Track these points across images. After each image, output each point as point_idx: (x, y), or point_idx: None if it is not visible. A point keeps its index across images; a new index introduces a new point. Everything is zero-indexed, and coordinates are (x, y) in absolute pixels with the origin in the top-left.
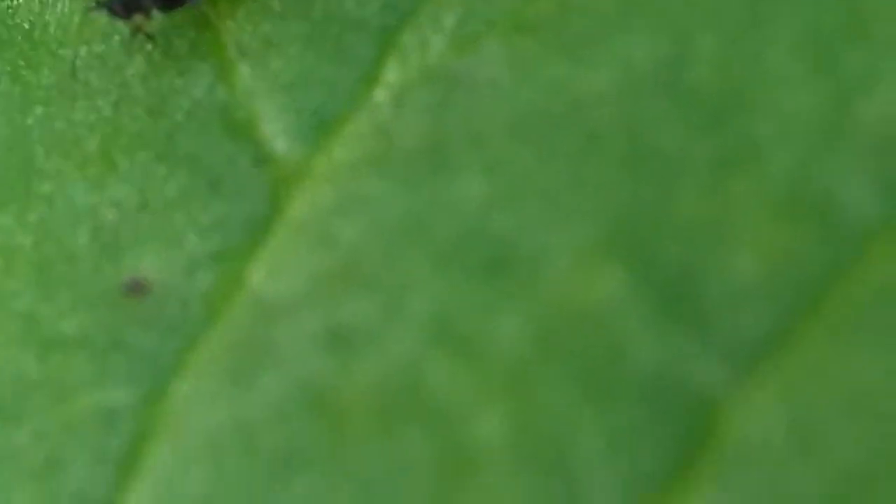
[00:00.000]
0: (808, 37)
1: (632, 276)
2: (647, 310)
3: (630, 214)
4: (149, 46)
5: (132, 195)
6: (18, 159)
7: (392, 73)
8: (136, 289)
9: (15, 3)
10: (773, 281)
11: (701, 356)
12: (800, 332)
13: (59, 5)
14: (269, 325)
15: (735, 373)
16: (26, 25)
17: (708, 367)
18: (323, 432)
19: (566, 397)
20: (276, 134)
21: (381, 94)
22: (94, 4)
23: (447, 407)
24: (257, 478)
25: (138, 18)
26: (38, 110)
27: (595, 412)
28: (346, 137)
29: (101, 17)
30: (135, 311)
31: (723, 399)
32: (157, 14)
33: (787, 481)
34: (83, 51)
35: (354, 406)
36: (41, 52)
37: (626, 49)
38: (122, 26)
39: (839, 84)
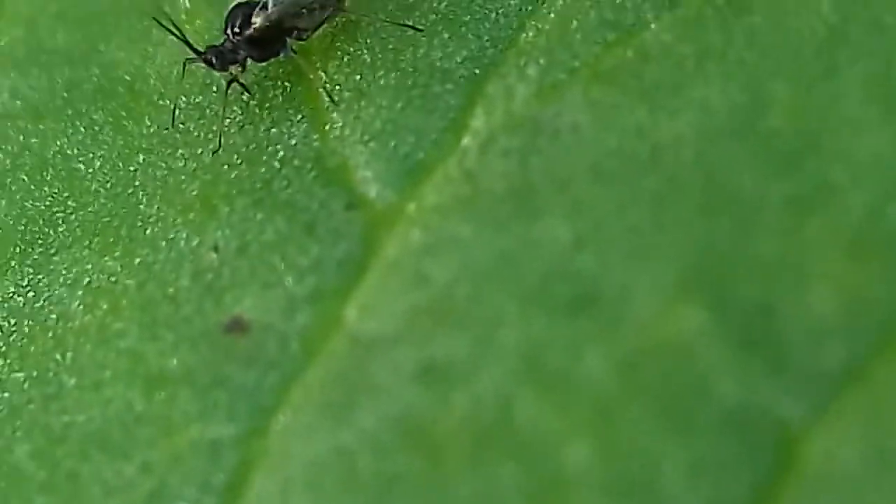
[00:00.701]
0: (880, 84)
1: (712, 313)
2: (727, 346)
3: (709, 254)
4: (245, 96)
5: (232, 239)
6: (122, 205)
7: (478, 121)
8: (237, 328)
9: (117, 56)
10: (848, 317)
11: (780, 390)
12: (874, 366)
13: (159, 58)
14: (364, 361)
15: (813, 406)
16: (128, 77)
17: (787, 401)
18: (419, 463)
19: (650, 429)
20: (368, 180)
21: (468, 141)
22: (192, 56)
23: (537, 439)
24: None
25: (234, 70)
26: (141, 158)
27: (678, 443)
28: (436, 182)
29: (199, 69)
30: (235, 349)
31: (802, 431)
32: (252, 65)
33: None
34: (182, 101)
35: (449, 438)
36: (142, 102)
37: (703, 96)
38: (219, 77)
39: None
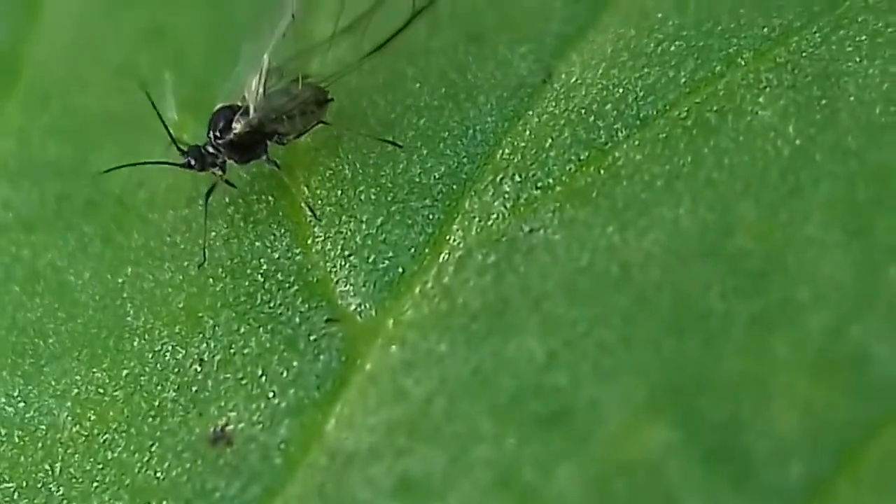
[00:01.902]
0: (842, 205)
1: (679, 430)
2: (693, 462)
3: (677, 371)
4: (230, 210)
5: (216, 352)
6: (110, 317)
7: (456, 236)
8: (221, 440)
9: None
10: (811, 435)
11: None
12: (836, 484)
13: (147, 172)
14: (343, 475)
15: None
16: (117, 190)
17: None
18: None
19: None
20: (349, 294)
21: (445, 256)
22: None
23: None
24: None
25: (215, 172)
26: (129, 270)
27: None
28: (414, 297)
29: (187, 183)
30: (219, 461)
31: None
32: (237, 180)
33: None
34: (170, 215)
35: None
36: (131, 215)
37: (672, 215)
38: (205, 191)
39: (872, 249)
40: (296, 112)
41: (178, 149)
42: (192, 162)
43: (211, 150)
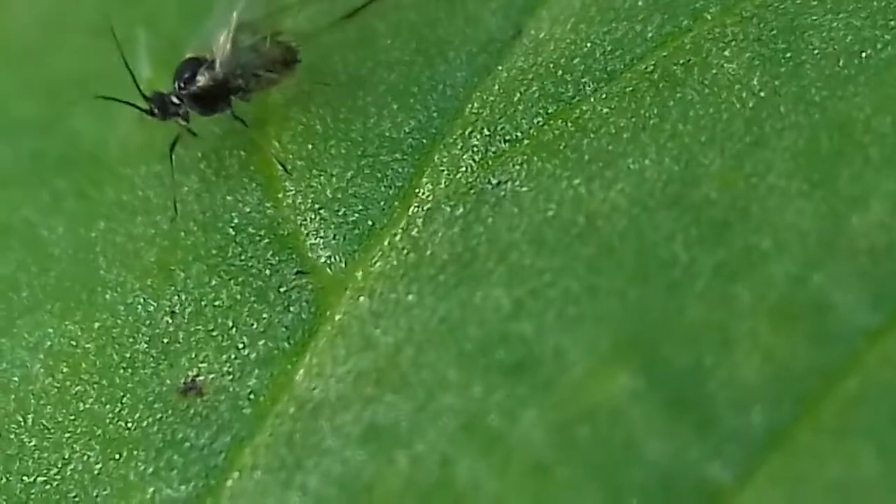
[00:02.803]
0: (807, 155)
1: (642, 377)
2: (656, 409)
3: (641, 319)
4: (202, 165)
5: (188, 304)
6: (83, 270)
7: (425, 189)
8: (192, 390)
9: (80, 126)
10: (773, 382)
11: (709, 453)
12: (797, 430)
13: (120, 127)
14: (311, 424)
15: (740, 470)
16: (90, 146)
17: (716, 465)
18: None
19: (584, 491)
20: (319, 247)
21: (414, 209)
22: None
23: (476, 500)
24: None
25: (178, 121)
26: (101, 225)
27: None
28: (383, 249)
29: (159, 139)
30: (189, 411)
31: (730, 494)
32: (210, 135)
33: None
34: (143, 170)
35: (392, 498)
36: (104, 171)
37: (638, 167)
38: (179, 147)
39: (834, 199)
40: (261, 70)
41: (143, 96)
42: (155, 109)
43: (174, 99)
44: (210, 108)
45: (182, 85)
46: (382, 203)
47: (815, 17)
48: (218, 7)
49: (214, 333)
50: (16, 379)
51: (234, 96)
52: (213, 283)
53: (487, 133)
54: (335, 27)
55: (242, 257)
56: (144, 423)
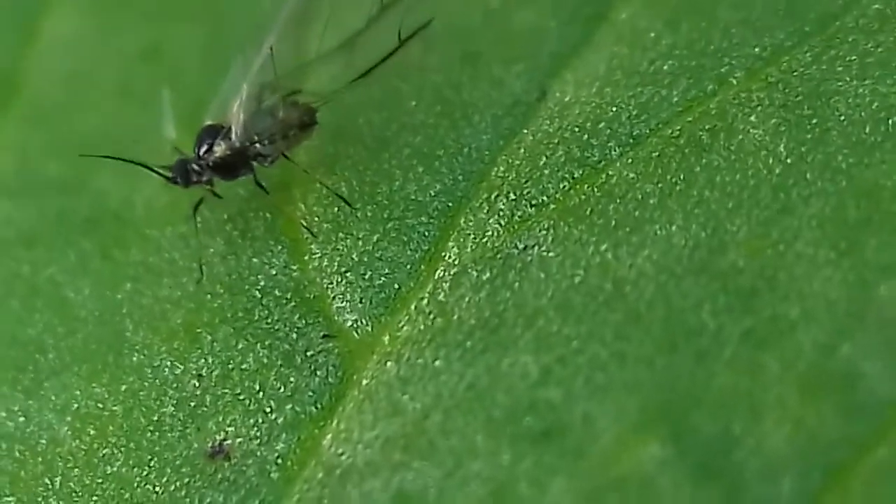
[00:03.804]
0: (834, 223)
1: (671, 445)
2: (686, 477)
3: (669, 387)
4: (228, 227)
5: (214, 367)
6: (109, 332)
7: (451, 253)
8: (220, 454)
9: (106, 186)
10: (802, 452)
11: None
12: (827, 499)
13: (146, 188)
14: (339, 490)
15: None
16: (116, 207)
17: None
18: None
19: None
20: (345, 310)
21: (441, 273)
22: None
23: None
24: None
25: (201, 189)
26: (128, 286)
27: None
28: (410, 313)
29: (184, 201)
30: (217, 475)
31: None
32: (235, 197)
33: None
34: (168, 231)
35: None
36: (129, 232)
37: (665, 233)
38: (204, 209)
39: (862, 267)
40: (278, 136)
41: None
42: (178, 178)
43: (196, 167)
44: (232, 174)
45: (202, 154)
46: (409, 266)
47: (840, 84)
48: (234, 69)
49: (241, 397)
50: (43, 441)
51: (254, 162)
52: (240, 346)
53: (513, 197)
54: (355, 86)
55: (269, 320)
56: (172, 487)
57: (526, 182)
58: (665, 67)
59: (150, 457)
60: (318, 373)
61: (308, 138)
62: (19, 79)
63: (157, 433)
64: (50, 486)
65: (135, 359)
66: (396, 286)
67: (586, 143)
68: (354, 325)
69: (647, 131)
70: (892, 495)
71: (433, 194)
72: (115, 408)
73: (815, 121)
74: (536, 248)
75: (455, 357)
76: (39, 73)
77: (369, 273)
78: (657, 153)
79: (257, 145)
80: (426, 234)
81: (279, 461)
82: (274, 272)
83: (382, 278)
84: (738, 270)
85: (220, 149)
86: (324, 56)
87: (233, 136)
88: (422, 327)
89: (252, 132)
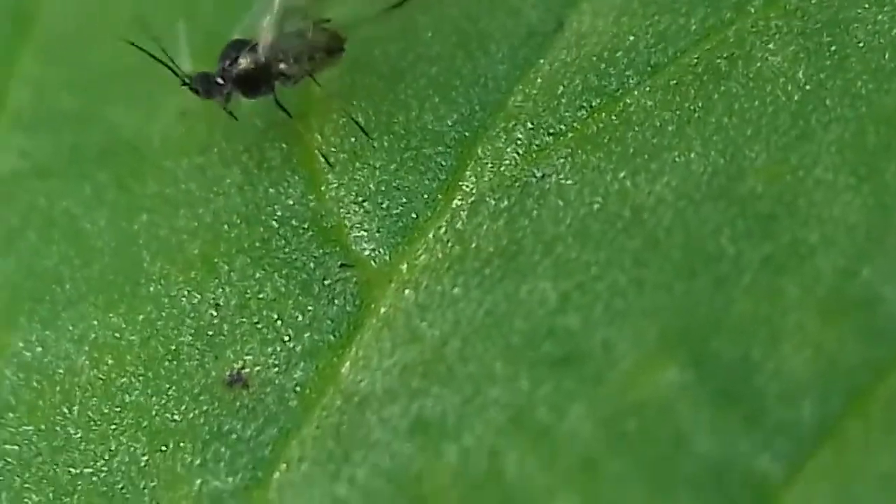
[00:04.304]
0: (853, 149)
1: (691, 370)
2: (705, 402)
3: (688, 313)
4: (244, 158)
5: (231, 297)
6: (126, 264)
7: (469, 182)
8: (237, 382)
9: (121, 118)
10: (822, 376)
11: (758, 446)
12: (847, 423)
13: (161, 120)
14: (358, 416)
15: (790, 462)
16: (131, 139)
17: (765, 457)
18: None
19: (633, 484)
20: (363, 239)
21: (458, 202)
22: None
23: (524, 493)
24: None
25: (219, 101)
26: (144, 217)
27: (660, 498)
28: (427, 242)
29: (201, 131)
30: (235, 403)
31: (779, 487)
32: (251, 127)
33: None
34: (184, 162)
35: (440, 491)
36: (145, 163)
37: (683, 160)
38: (220, 139)
39: (882, 192)
40: (304, 56)
41: (182, 80)
42: (199, 88)
43: (219, 80)
44: (253, 90)
45: (226, 66)
46: (426, 196)
47: (859, 11)
48: None
49: (259, 326)
50: (61, 371)
51: (277, 81)
52: (258, 275)
53: (531, 126)
54: (378, 19)
55: (286, 250)
56: (191, 415)
57: (543, 111)
58: None
59: (168, 385)
60: (336, 301)
61: (334, 64)
62: (34, 11)
63: (174, 362)
64: (68, 415)
65: (152, 289)
66: (414, 215)
67: (604, 71)
68: (372, 255)
69: (665, 60)
70: None
71: (450, 124)
72: (132, 337)
73: (833, 48)
74: (554, 175)
75: (473, 284)
76: (53, 6)
77: (386, 202)
78: (675, 81)
79: (282, 63)
80: (443, 163)
81: (297, 389)
82: (291, 202)
83: (400, 208)
84: (757, 196)
85: (244, 62)
86: None
87: (259, 50)
88: (440, 255)
89: (278, 49)
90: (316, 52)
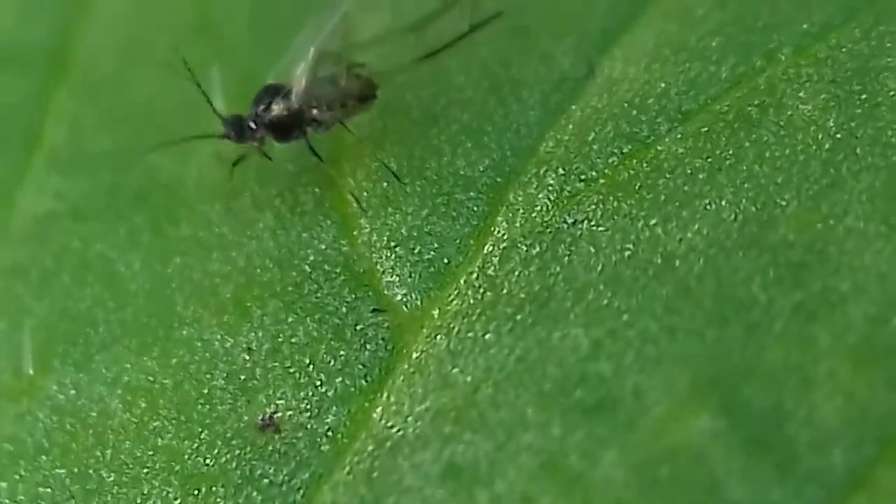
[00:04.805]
0: (884, 197)
1: (723, 417)
2: (737, 449)
3: (719, 360)
4: (277, 202)
5: (264, 341)
6: (160, 307)
7: (500, 228)
8: (270, 427)
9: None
10: (854, 424)
11: (790, 494)
12: (879, 471)
13: (196, 163)
14: (390, 462)
15: None
16: (166, 181)
17: None
18: None
19: None
20: (395, 284)
21: (490, 247)
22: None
23: None
24: None
25: (253, 146)
26: (178, 261)
27: None
28: (459, 287)
29: (235, 175)
30: (267, 447)
31: None
32: (284, 173)
33: None
34: (218, 206)
35: None
36: (180, 206)
37: (714, 207)
38: (252, 185)
39: None
40: (336, 103)
41: (219, 118)
42: (231, 133)
43: (251, 124)
44: (285, 136)
45: (259, 112)
46: (458, 241)
47: (889, 59)
48: (300, 37)
49: (291, 370)
50: (94, 414)
51: (309, 127)
52: (290, 320)
53: (562, 172)
54: (411, 66)
55: (318, 294)
56: (223, 460)
57: (575, 157)
58: (713, 44)
59: (200, 429)
60: (368, 346)
61: (366, 111)
62: (71, 52)
63: (207, 406)
64: (101, 459)
65: (185, 332)
66: (446, 261)
67: (635, 118)
68: (404, 300)
69: (696, 107)
70: None
71: (482, 169)
72: (165, 381)
73: (864, 96)
74: (586, 222)
75: (505, 330)
76: (91, 47)
77: (418, 248)
78: (706, 128)
79: (314, 110)
80: (475, 209)
81: (329, 434)
82: (323, 247)
83: (432, 253)
84: (789, 244)
85: (277, 108)
86: (393, 33)
87: (292, 97)
88: (471, 301)
89: (311, 96)
90: (348, 100)
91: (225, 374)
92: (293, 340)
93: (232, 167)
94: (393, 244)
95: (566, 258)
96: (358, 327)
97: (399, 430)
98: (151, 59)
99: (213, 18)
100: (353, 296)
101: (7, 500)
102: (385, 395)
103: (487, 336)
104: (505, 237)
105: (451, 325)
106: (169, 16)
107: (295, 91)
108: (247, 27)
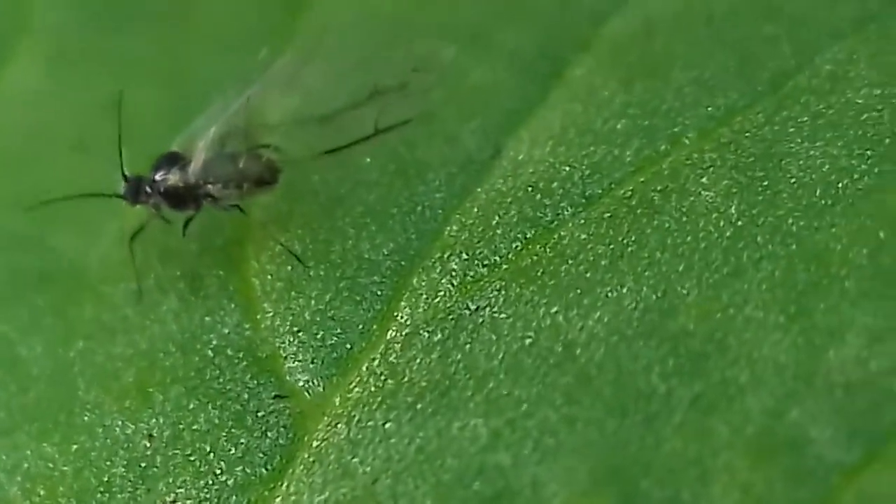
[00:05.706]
0: (783, 287)
1: None
2: None
3: (619, 451)
4: (181, 285)
5: (165, 427)
6: (61, 391)
7: (403, 313)
8: None
9: (61, 242)
10: None
11: None
12: None
13: (101, 244)
14: None
15: None
16: (70, 264)
17: None
18: None
19: None
20: (297, 370)
21: (393, 333)
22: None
23: None
24: None
25: (147, 210)
26: (80, 344)
27: None
28: (361, 374)
29: (138, 257)
30: None
31: None
32: (188, 255)
33: None
34: (122, 287)
35: None
36: (83, 288)
37: (616, 295)
38: (157, 265)
39: (811, 332)
40: (233, 185)
41: (123, 176)
42: (128, 194)
43: (147, 189)
44: (179, 206)
45: (156, 178)
46: (361, 326)
47: (792, 146)
48: (211, 108)
49: (192, 458)
50: None
51: (204, 201)
52: (192, 406)
53: (466, 257)
54: (320, 157)
55: (221, 380)
56: None
57: (479, 242)
58: (619, 126)
59: None
60: (269, 434)
61: (265, 195)
62: None
63: (107, 494)
64: None
65: (86, 418)
66: (348, 346)
67: (539, 202)
68: (306, 386)
69: (600, 191)
70: None
71: (386, 253)
72: (65, 468)
73: (766, 183)
74: (488, 308)
75: (405, 420)
76: None
77: (321, 333)
78: (609, 214)
79: (210, 186)
80: (379, 293)
81: None
82: (227, 331)
83: (335, 338)
84: (689, 333)
85: (173, 178)
86: (300, 120)
87: (189, 169)
88: (372, 389)
89: (209, 172)
90: (245, 181)
91: (125, 462)
92: (194, 427)
93: (130, 242)
94: (296, 329)
95: (467, 346)
96: (259, 414)
97: None
98: (58, 141)
99: (124, 99)
100: (256, 381)
101: None
102: (285, 484)
103: (388, 425)
104: (408, 323)
105: (352, 413)
106: (75, 97)
107: (193, 164)
108: (156, 109)
